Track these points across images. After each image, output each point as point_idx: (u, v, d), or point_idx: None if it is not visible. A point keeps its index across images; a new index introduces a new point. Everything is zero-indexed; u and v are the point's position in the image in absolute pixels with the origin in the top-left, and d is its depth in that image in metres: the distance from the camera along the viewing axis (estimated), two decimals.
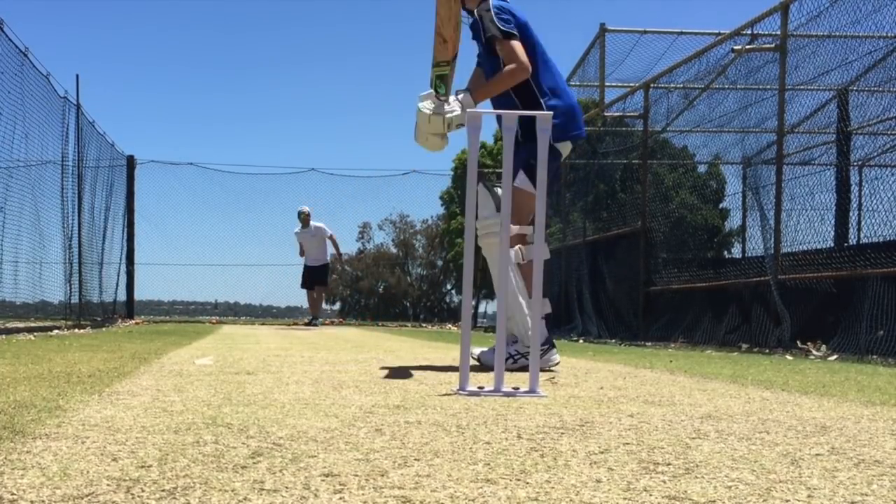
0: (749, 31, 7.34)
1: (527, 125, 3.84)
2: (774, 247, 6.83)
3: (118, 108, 50.75)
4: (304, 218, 13.83)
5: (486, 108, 3.92)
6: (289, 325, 14.48)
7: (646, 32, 10.36)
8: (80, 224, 10.69)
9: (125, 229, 14.94)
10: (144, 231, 16.18)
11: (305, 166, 18.05)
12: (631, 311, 9.60)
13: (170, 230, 17.77)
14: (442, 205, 28.53)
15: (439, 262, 32.67)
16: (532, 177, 3.71)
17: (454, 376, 3.17)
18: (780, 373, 3.92)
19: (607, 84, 10.79)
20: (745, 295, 7.45)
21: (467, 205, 2.86)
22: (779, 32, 6.86)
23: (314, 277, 13.84)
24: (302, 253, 13.86)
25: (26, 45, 8.39)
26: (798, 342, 6.24)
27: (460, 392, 2.60)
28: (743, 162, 8.60)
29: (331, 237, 13.97)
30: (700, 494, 1.21)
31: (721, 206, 10.50)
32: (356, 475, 1.31)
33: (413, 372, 3.54)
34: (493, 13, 3.87)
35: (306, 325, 13.93)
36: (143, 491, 1.18)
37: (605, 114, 10.57)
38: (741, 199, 9.04)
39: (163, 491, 1.18)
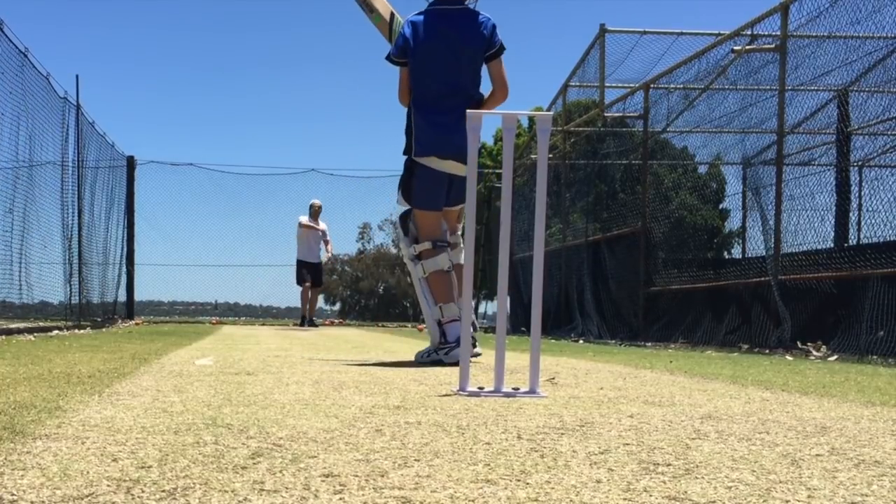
0: (749, 32, 7.34)
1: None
2: (775, 247, 6.82)
3: (118, 108, 50.76)
4: (316, 211, 13.64)
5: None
6: (294, 324, 14.37)
7: (646, 33, 10.34)
8: (80, 224, 10.69)
9: (125, 230, 14.93)
10: (144, 231, 16.17)
11: (305, 167, 18.02)
12: (631, 311, 9.59)
13: (170, 230, 17.75)
14: None
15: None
16: (403, 192, 4.42)
17: (454, 376, 3.17)
18: (780, 373, 3.92)
19: (607, 84, 10.79)
20: (745, 295, 7.44)
21: (468, 206, 2.86)
22: (779, 33, 6.86)
23: (312, 275, 13.65)
24: (307, 226, 13.55)
25: (26, 45, 8.40)
26: (798, 343, 6.24)
27: (460, 392, 2.60)
28: (743, 162, 8.60)
29: (328, 242, 13.86)
30: (700, 495, 1.21)
31: (721, 206, 10.50)
32: (356, 476, 1.31)
33: (413, 372, 3.54)
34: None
35: (297, 325, 13.77)
36: (143, 491, 1.18)
37: (606, 114, 10.56)
38: (741, 199, 9.05)
39: (163, 491, 1.18)
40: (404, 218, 4.50)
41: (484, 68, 4.34)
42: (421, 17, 4.28)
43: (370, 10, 4.66)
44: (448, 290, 4.30)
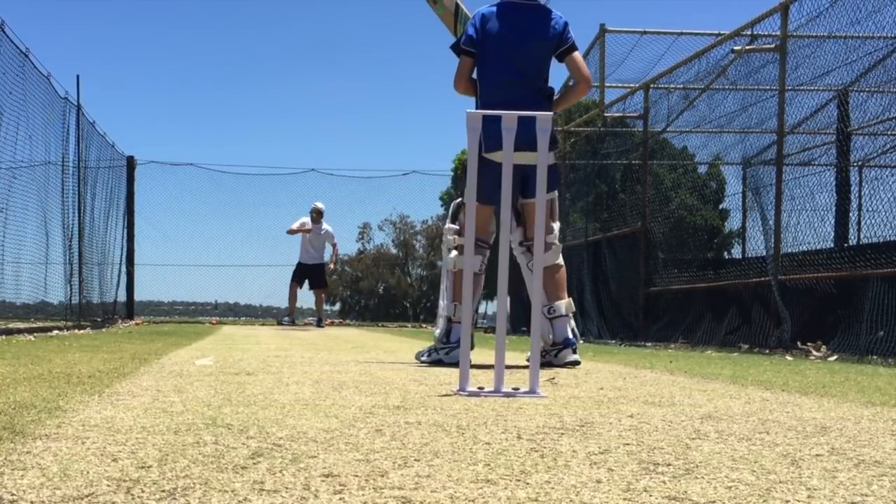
0: (749, 32, 7.34)
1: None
2: (775, 247, 6.83)
3: (118, 108, 50.75)
4: (317, 216, 13.43)
5: None
6: (298, 325, 14.33)
7: (646, 33, 10.34)
8: (80, 225, 10.69)
9: (125, 230, 14.93)
10: (144, 231, 16.16)
11: (305, 166, 18.01)
12: (631, 311, 9.59)
13: (170, 230, 17.77)
14: (442, 205, 28.47)
15: (439, 263, 32.67)
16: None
17: (454, 376, 3.17)
18: (780, 373, 3.92)
19: (607, 84, 10.78)
20: (745, 295, 7.44)
21: (467, 206, 2.86)
22: (779, 33, 6.86)
23: (310, 276, 13.47)
24: (293, 231, 13.44)
25: (27, 45, 8.40)
26: (798, 343, 6.24)
27: (460, 392, 2.60)
28: (743, 162, 8.60)
29: (334, 246, 13.75)
30: (700, 495, 1.21)
31: (721, 206, 10.49)
32: (356, 476, 1.31)
33: (413, 372, 3.54)
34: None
35: (280, 323, 13.65)
36: (143, 492, 1.18)
37: (606, 114, 10.57)
38: (741, 199, 9.05)
39: (163, 491, 1.18)
40: (458, 207, 4.40)
41: (557, 66, 4.38)
42: (493, 10, 4.28)
43: (434, 1, 4.59)
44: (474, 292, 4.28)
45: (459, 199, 4.39)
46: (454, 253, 4.31)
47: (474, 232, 2.90)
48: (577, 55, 4.33)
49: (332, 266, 13.90)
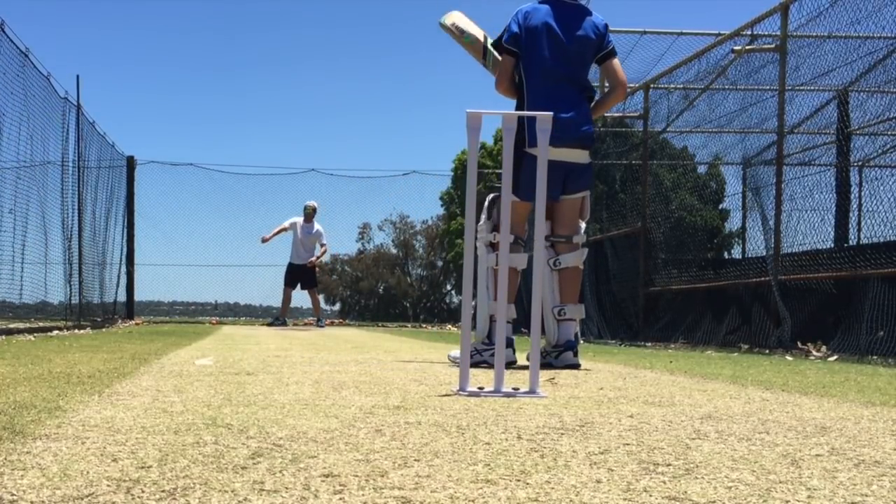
0: (749, 32, 7.34)
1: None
2: (775, 247, 6.83)
3: (118, 108, 50.81)
4: (310, 214, 13.36)
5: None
6: (297, 324, 14.29)
7: (646, 33, 10.33)
8: (80, 225, 10.69)
9: (125, 230, 14.93)
10: (144, 231, 16.17)
11: (305, 167, 18.01)
12: (631, 311, 9.60)
13: (170, 230, 17.76)
14: (442, 205, 28.54)
15: (439, 263, 32.73)
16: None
17: (454, 377, 3.17)
18: (780, 373, 3.92)
19: (607, 85, 10.78)
20: (745, 296, 7.45)
21: (467, 206, 2.86)
22: (779, 33, 6.87)
23: (302, 278, 13.39)
24: (265, 239, 13.42)
25: (27, 45, 8.40)
26: (798, 343, 6.24)
27: (460, 392, 2.60)
28: (743, 162, 8.60)
29: (323, 246, 13.65)
30: (700, 495, 1.21)
31: (721, 206, 10.50)
32: (356, 476, 1.31)
33: (413, 372, 3.54)
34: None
35: (268, 324, 13.63)
36: (143, 492, 1.18)
37: (606, 114, 10.57)
38: (741, 199, 9.05)
39: (163, 492, 1.18)
40: (492, 202, 4.33)
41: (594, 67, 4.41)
42: (535, 7, 4.25)
43: (460, 32, 4.48)
44: (511, 290, 4.23)
45: (492, 195, 4.34)
46: (495, 251, 4.20)
47: (472, 231, 2.90)
48: (617, 60, 4.35)
49: (313, 261, 13.68)
